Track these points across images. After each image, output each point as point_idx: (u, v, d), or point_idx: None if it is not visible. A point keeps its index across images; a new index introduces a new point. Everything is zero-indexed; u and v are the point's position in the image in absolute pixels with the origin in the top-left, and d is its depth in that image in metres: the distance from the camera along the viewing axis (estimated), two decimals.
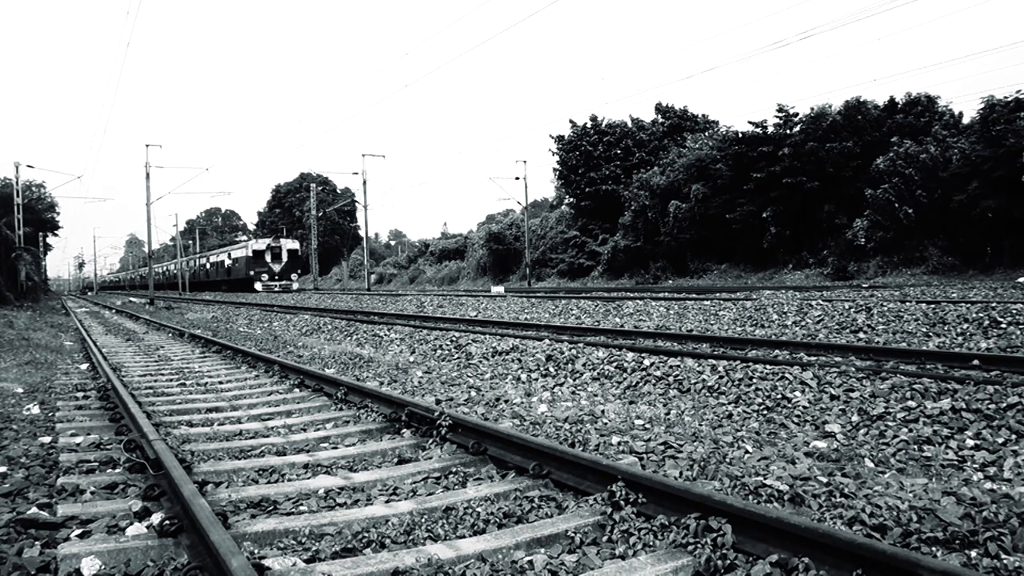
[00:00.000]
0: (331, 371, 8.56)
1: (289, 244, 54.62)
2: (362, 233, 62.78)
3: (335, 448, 5.04)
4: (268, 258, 52.94)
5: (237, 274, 54.84)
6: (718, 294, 18.91)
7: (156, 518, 3.41)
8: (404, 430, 5.31)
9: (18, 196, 39.71)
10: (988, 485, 3.81)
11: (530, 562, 2.95)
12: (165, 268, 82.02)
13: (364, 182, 46.07)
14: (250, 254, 52.75)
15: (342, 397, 6.50)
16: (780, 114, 35.03)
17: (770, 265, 34.34)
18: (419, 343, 11.51)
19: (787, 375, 6.54)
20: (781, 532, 2.71)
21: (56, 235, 65.55)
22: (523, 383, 7.81)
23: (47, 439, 5.38)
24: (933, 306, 11.15)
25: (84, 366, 10.26)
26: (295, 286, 53.02)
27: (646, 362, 7.79)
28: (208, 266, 64.12)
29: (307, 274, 64.09)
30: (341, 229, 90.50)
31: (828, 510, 3.26)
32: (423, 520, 3.42)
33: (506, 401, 6.49)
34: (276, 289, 50.82)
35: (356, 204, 55.99)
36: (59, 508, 3.69)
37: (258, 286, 51.02)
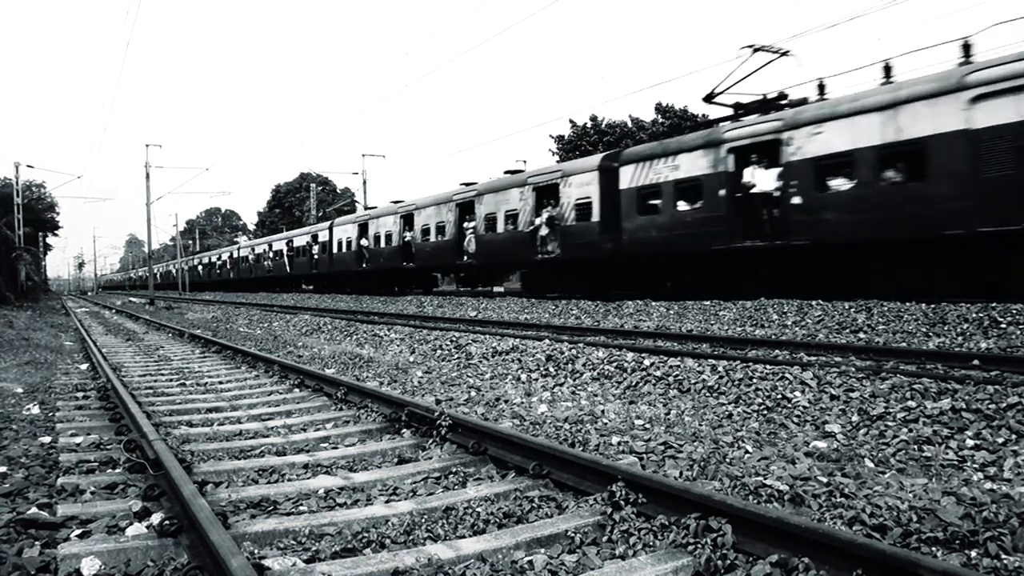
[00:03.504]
0: (331, 371, 8.56)
1: None
2: None
3: (335, 448, 5.04)
4: None
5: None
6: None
7: (156, 518, 3.41)
8: (404, 430, 5.31)
9: (18, 196, 39.77)
10: (988, 485, 3.81)
11: (530, 562, 2.95)
12: (261, 250, 46.30)
13: (364, 182, 46.04)
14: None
15: (342, 397, 6.50)
16: None
17: None
18: (419, 343, 11.50)
19: (787, 375, 6.54)
20: (781, 532, 2.72)
21: (56, 235, 65.72)
22: (523, 383, 7.81)
23: (47, 439, 5.38)
24: (933, 306, 11.15)
25: (84, 366, 10.26)
26: None
27: (646, 362, 7.79)
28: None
29: None
30: None
31: (828, 510, 3.26)
32: (423, 520, 3.42)
33: (506, 401, 6.49)
34: None
35: (356, 204, 52.87)
36: (59, 508, 3.68)
37: None
